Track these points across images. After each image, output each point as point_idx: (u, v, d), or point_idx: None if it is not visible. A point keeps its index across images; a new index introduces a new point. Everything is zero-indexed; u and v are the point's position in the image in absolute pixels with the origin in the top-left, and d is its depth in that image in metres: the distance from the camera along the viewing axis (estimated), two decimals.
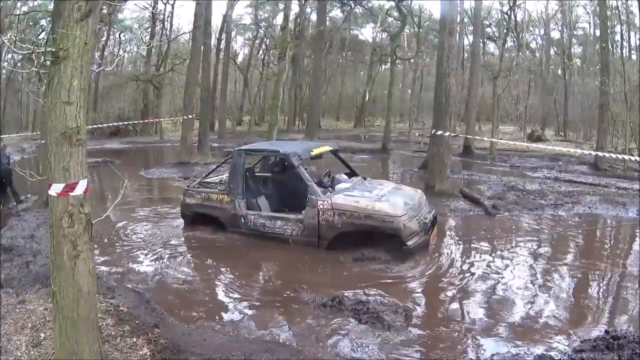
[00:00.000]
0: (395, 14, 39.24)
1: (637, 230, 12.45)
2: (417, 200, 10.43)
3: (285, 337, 6.62)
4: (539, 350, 6.12)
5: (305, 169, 10.57)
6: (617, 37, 38.73)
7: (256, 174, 12.38)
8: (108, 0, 5.26)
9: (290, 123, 51.26)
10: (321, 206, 9.73)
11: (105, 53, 45.00)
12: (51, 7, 24.44)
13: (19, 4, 31.96)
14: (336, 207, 9.63)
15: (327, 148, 12.08)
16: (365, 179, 11.64)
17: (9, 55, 29.78)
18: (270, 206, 11.31)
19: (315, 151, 11.39)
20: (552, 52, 53.78)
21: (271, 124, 25.19)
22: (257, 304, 7.79)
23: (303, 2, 42.63)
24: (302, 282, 8.32)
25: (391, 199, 9.89)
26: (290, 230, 10.24)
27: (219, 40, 46.10)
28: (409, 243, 9.18)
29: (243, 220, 10.71)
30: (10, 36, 4.61)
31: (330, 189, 10.43)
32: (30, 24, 34.32)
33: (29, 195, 14.48)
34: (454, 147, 22.19)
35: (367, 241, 9.58)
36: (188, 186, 11.97)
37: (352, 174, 11.90)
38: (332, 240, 9.77)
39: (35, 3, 34.32)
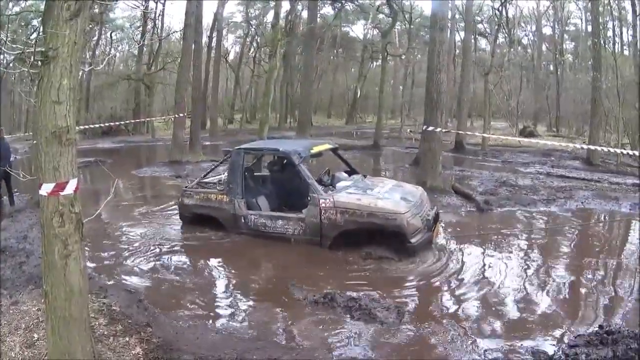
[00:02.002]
0: (386, 10, 39.17)
1: (632, 225, 12.51)
2: (419, 197, 10.35)
3: (278, 335, 6.64)
4: (533, 345, 6.13)
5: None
6: (609, 33, 38.90)
7: (255, 173, 12.26)
8: None
9: (281, 120, 51.32)
10: (323, 205, 9.65)
11: (97, 52, 44.83)
12: (42, 7, 24.38)
13: (10, 4, 31.87)
14: (339, 206, 9.55)
15: (327, 146, 11.99)
16: (365, 176, 11.59)
17: (1, 56, 29.70)
18: (269, 206, 11.19)
19: (316, 149, 11.28)
20: (544, 48, 53.91)
21: (262, 121, 25.20)
22: (250, 302, 7.80)
23: None
24: (298, 280, 8.28)
25: (393, 197, 9.87)
26: (292, 230, 10.14)
27: (210, 38, 46.11)
28: (412, 240, 9.12)
29: (243, 221, 10.60)
30: (2, 37, 4.60)
31: (331, 187, 10.37)
32: (22, 24, 34.18)
33: None
34: (445, 143, 22.23)
35: (370, 239, 9.48)
36: (186, 186, 11.89)
37: (351, 171, 11.81)
38: (335, 239, 9.68)
39: (27, 3, 34.24)
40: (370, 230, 9.45)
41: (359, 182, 10.91)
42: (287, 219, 10.25)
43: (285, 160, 11.72)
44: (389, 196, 9.86)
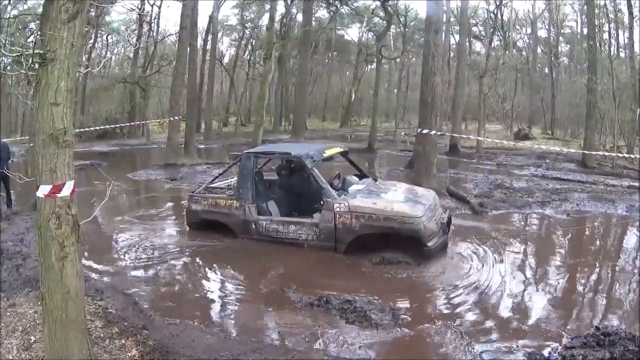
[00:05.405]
0: (381, 13, 39.33)
1: (628, 227, 12.54)
2: (433, 201, 10.27)
3: (273, 337, 6.67)
4: (529, 347, 6.16)
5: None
6: (605, 35, 38.97)
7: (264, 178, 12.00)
8: (95, 2, 5.25)
9: (276, 123, 51.20)
10: (338, 209, 9.49)
11: (93, 55, 44.74)
12: (40, 10, 24.40)
13: (8, 7, 31.87)
14: (354, 210, 9.40)
15: (338, 150, 11.89)
16: (376, 180, 11.51)
17: None
18: (279, 210, 10.96)
19: (327, 153, 11.16)
20: (539, 50, 53.99)
21: (257, 124, 25.23)
22: (246, 305, 7.81)
23: (289, 2, 42.66)
24: (297, 284, 8.26)
25: (408, 200, 9.79)
26: (305, 235, 9.97)
27: (205, 41, 46.20)
28: (429, 244, 9.03)
29: (254, 226, 10.41)
30: (0, 39, 4.60)
31: (343, 191, 10.20)
32: (20, 27, 34.13)
33: None
34: (440, 146, 22.26)
35: (385, 244, 9.38)
36: (193, 192, 11.71)
37: (362, 175, 11.71)
38: (350, 244, 9.54)
39: (25, 6, 34.19)
40: (385, 235, 9.35)
41: (372, 185, 10.80)
42: (300, 224, 10.10)
43: (293, 164, 11.63)
44: (404, 200, 9.78)
